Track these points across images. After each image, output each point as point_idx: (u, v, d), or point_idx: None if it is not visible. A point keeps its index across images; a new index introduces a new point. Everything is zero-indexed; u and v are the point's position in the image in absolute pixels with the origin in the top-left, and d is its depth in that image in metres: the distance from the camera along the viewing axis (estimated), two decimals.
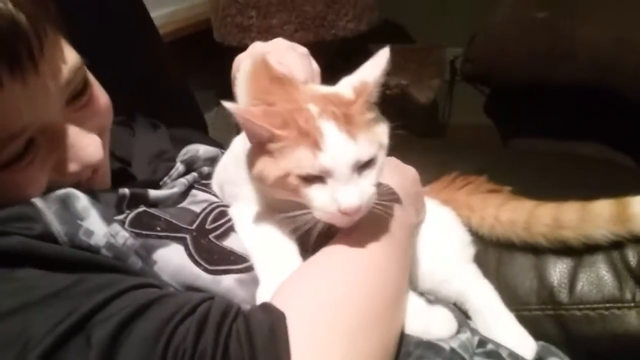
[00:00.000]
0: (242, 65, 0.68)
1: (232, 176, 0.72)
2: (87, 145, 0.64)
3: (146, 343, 0.46)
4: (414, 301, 0.66)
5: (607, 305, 0.77)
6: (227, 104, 0.55)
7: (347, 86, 0.62)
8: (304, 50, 0.75)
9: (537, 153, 1.40)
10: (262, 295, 0.60)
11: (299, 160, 0.56)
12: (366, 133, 0.58)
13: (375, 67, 0.61)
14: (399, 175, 0.73)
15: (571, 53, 1.40)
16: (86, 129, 0.64)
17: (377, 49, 0.63)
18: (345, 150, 0.56)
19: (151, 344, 0.46)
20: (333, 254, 0.60)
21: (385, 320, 0.57)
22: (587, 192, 0.89)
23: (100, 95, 0.68)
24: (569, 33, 1.41)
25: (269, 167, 0.58)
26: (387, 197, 0.62)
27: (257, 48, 0.75)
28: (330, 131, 0.56)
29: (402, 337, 0.62)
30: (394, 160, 0.74)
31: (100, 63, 0.67)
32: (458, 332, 0.65)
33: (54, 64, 0.59)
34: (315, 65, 0.74)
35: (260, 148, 0.59)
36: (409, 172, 0.77)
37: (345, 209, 0.56)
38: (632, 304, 0.76)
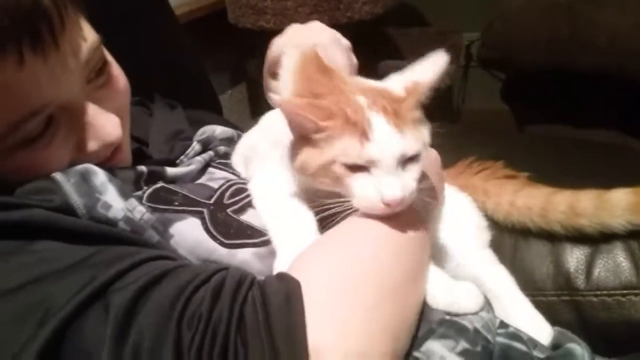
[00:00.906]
0: (289, 58, 0.67)
1: (263, 153, 0.73)
2: (105, 124, 0.64)
3: (162, 310, 0.47)
4: (440, 275, 0.66)
5: (624, 291, 0.77)
6: (273, 96, 0.56)
7: (398, 83, 0.62)
8: (347, 43, 0.75)
9: (553, 139, 1.39)
10: (279, 266, 0.60)
11: (346, 148, 0.56)
12: (413, 129, 0.58)
13: (431, 69, 0.61)
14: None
15: (591, 39, 1.38)
16: (105, 109, 0.65)
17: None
18: (393, 142, 0.57)
19: (167, 310, 0.47)
20: (352, 226, 0.59)
21: (404, 293, 0.57)
22: (605, 179, 0.88)
23: (119, 75, 0.68)
24: (589, 18, 1.39)
25: (312, 156, 0.58)
26: (427, 192, 0.63)
27: (296, 34, 0.75)
28: (378, 122, 0.57)
29: (425, 313, 0.62)
30: None
31: (117, 44, 0.67)
32: (481, 309, 0.65)
33: (74, 41, 0.59)
34: (354, 59, 0.75)
35: (303, 139, 0.59)
36: (431, 154, 0.77)
37: (388, 200, 0.57)
38: None
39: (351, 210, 0.59)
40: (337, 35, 0.76)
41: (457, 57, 2.06)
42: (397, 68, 0.65)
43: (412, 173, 0.59)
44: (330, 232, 0.60)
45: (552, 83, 1.49)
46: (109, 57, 0.67)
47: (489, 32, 1.60)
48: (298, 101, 0.59)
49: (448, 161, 0.94)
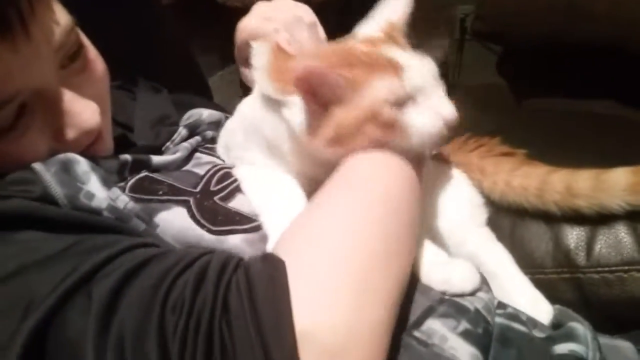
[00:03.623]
0: (256, 55, 0.66)
1: (241, 142, 0.71)
2: (83, 111, 0.62)
3: (145, 297, 0.45)
4: (435, 252, 0.64)
5: (626, 267, 0.75)
6: (299, 61, 0.55)
7: (372, 30, 0.62)
8: (311, 18, 0.73)
9: (553, 112, 1.36)
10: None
11: (388, 87, 0.55)
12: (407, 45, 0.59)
13: (396, 7, 0.61)
14: None
15: (588, 8, 1.34)
16: (83, 95, 0.63)
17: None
18: (422, 62, 0.57)
19: (150, 297, 0.45)
20: (336, 190, 0.57)
21: (395, 258, 0.53)
22: (605, 153, 0.86)
23: (96, 60, 0.66)
24: None
25: (346, 116, 0.56)
26: None
27: (260, 17, 0.73)
28: (397, 53, 0.56)
29: (424, 289, 0.60)
30: None
31: (96, 26, 0.65)
32: (479, 289, 0.62)
33: (45, 26, 0.57)
34: (322, 33, 0.73)
35: (324, 108, 0.57)
36: None
37: (449, 118, 0.56)
38: None
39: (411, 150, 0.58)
40: (301, 13, 0.74)
41: (452, 31, 2.02)
42: None
43: (442, 90, 0.59)
44: (315, 201, 0.57)
45: (549, 55, 1.46)
46: (85, 41, 0.65)
47: (483, 4, 1.56)
48: (315, 63, 0.56)
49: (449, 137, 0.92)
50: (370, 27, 0.63)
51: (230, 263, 0.49)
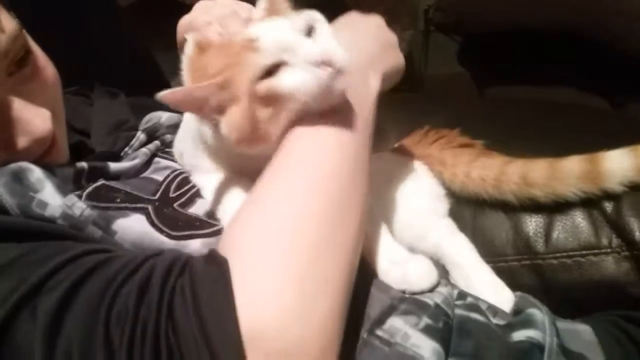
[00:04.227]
0: (185, 49, 0.64)
1: (190, 149, 0.71)
2: (33, 118, 0.61)
3: (89, 310, 0.44)
4: (393, 249, 0.64)
5: (584, 252, 0.76)
6: (161, 94, 0.52)
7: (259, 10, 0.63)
8: (247, 14, 0.72)
9: (513, 102, 1.38)
10: None
11: (247, 66, 0.54)
12: (291, 13, 0.59)
13: None
14: (356, 29, 0.68)
15: None
16: (34, 103, 0.61)
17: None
18: (278, 25, 0.56)
19: (94, 310, 0.44)
20: (272, 179, 0.54)
21: (342, 236, 0.52)
22: (564, 140, 0.88)
23: (46, 66, 0.65)
24: None
25: (235, 113, 0.55)
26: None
27: (198, 13, 0.72)
28: (255, 26, 0.57)
29: (385, 286, 0.60)
30: (351, 15, 0.70)
31: (47, 32, 0.64)
32: (438, 284, 0.63)
33: None
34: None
35: (217, 111, 0.56)
36: (372, 21, 0.71)
37: (322, 58, 0.53)
38: (609, 250, 0.75)
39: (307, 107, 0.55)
40: (238, 8, 0.72)
41: (416, 22, 2.02)
42: None
43: (324, 34, 0.56)
44: (254, 190, 0.55)
45: (509, 44, 1.47)
46: (34, 47, 0.64)
47: None
48: (184, 87, 0.57)
49: (409, 130, 0.92)
50: (258, 9, 0.63)
51: (176, 266, 0.48)
